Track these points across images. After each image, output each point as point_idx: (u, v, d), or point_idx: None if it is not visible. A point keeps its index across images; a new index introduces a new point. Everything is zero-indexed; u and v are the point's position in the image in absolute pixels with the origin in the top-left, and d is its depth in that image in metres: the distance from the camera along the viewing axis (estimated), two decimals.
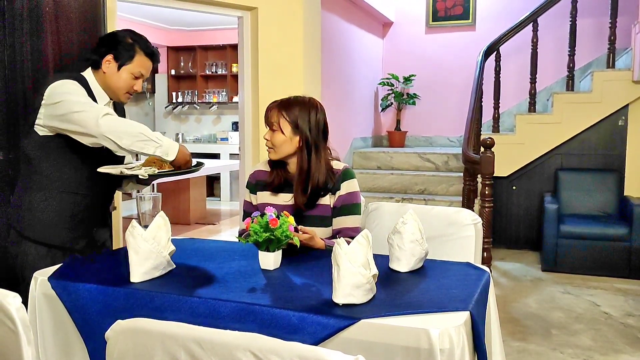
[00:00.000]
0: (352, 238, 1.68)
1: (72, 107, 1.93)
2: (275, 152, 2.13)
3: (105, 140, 1.90)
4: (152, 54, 2.17)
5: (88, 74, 2.14)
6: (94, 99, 2.08)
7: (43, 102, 1.99)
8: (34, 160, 2.05)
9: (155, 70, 8.60)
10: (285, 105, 2.12)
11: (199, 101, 8.66)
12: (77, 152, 2.03)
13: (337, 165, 2.19)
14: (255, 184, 2.25)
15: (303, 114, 2.10)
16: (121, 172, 1.97)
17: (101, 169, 1.99)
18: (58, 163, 2.05)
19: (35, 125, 2.02)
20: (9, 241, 2.11)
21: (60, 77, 2.06)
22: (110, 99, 2.17)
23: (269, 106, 2.15)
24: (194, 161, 2.10)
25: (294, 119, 2.09)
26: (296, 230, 1.92)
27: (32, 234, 2.05)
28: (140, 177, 1.97)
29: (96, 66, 2.13)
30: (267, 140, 2.14)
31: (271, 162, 2.21)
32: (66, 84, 2.01)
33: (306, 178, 2.11)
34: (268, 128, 2.14)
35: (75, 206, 2.10)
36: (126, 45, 2.11)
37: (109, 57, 2.10)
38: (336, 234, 2.13)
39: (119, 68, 2.11)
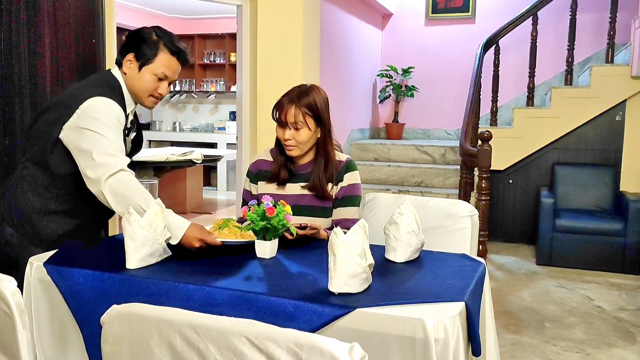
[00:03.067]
0: None
1: (95, 147, 1.77)
2: (299, 149, 2.06)
3: (101, 195, 1.77)
4: (177, 51, 1.97)
5: (117, 73, 1.98)
6: (124, 106, 1.94)
7: (75, 114, 1.83)
8: (57, 174, 1.92)
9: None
10: (301, 99, 2.01)
11: (197, 90, 8.62)
12: None
13: (339, 156, 2.17)
14: (257, 174, 2.20)
15: (319, 100, 2.05)
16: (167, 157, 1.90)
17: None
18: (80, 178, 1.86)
19: (60, 137, 1.86)
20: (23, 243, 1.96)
21: (96, 91, 1.87)
22: (135, 103, 2.02)
23: (284, 106, 2.03)
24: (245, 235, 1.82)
25: (314, 110, 2.03)
26: (304, 228, 1.91)
27: (49, 241, 1.93)
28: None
29: (120, 65, 1.98)
30: (288, 139, 2.03)
31: (276, 154, 2.15)
32: (101, 109, 1.83)
33: (330, 164, 2.10)
34: (286, 128, 2.03)
35: (93, 221, 2.04)
36: (149, 42, 1.93)
37: (130, 56, 1.94)
38: (335, 225, 2.12)
39: (140, 68, 1.94)
